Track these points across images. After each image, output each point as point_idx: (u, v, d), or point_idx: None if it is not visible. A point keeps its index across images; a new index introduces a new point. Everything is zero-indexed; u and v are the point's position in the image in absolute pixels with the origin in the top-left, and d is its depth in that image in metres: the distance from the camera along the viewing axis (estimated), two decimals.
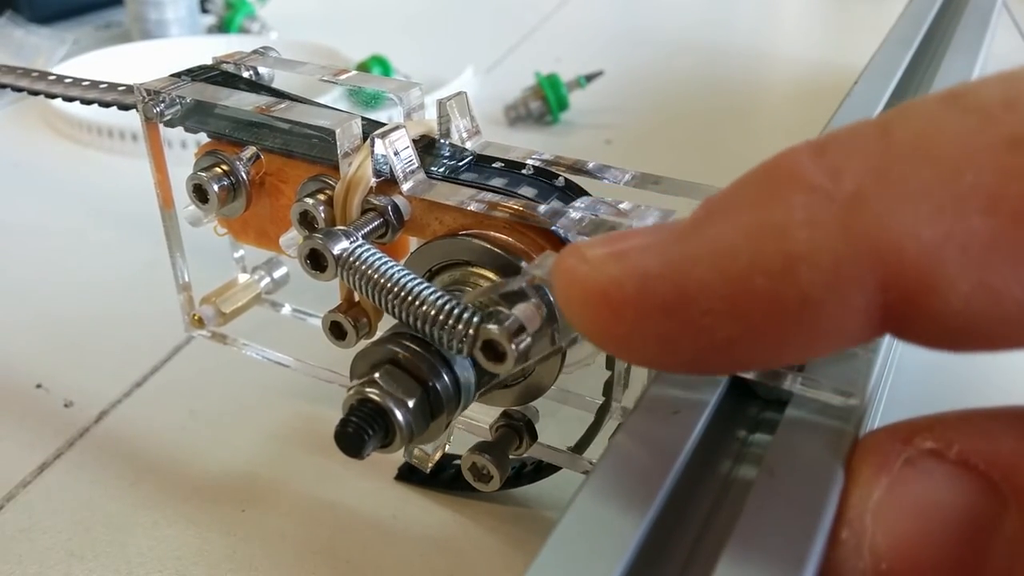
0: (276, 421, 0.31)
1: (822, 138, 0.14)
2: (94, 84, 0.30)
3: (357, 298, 0.25)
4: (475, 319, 0.19)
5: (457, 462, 0.27)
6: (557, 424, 0.26)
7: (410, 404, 0.20)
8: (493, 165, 0.24)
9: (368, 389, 0.20)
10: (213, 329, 0.29)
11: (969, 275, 0.12)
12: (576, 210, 0.21)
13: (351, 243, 0.21)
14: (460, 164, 0.24)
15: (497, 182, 0.23)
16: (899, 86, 0.35)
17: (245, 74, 0.27)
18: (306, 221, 0.24)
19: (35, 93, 0.31)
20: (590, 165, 0.24)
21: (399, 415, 0.20)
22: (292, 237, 0.25)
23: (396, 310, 0.20)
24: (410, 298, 0.20)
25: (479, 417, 0.25)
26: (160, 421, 0.31)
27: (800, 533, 0.14)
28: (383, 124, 0.24)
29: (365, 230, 0.22)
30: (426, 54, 0.72)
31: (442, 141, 0.24)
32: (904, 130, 0.13)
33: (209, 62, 0.28)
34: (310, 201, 0.24)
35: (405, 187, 0.23)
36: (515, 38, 0.76)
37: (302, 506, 0.27)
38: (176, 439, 0.30)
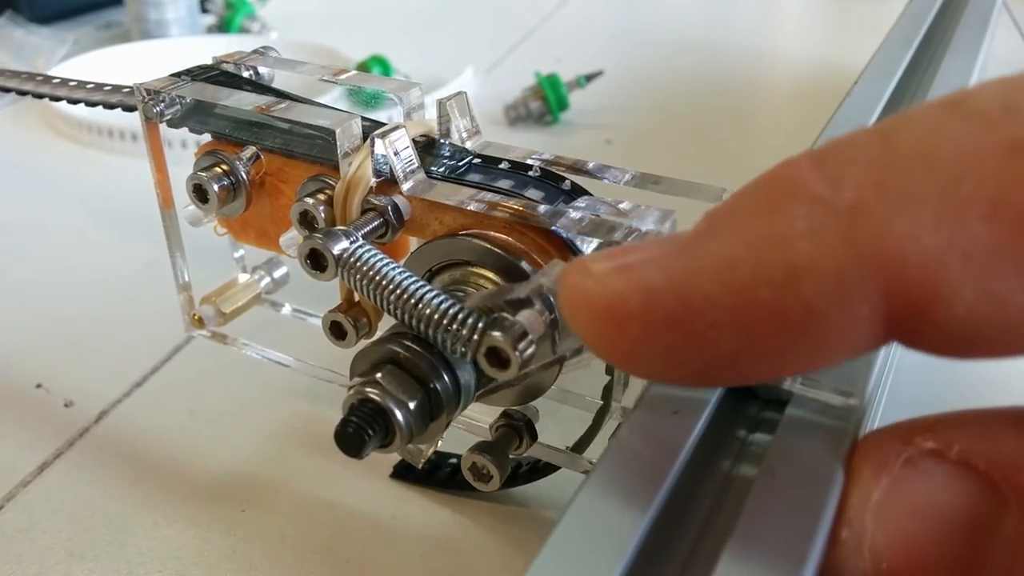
0: (276, 421, 0.31)
1: (822, 147, 0.14)
2: (98, 87, 0.30)
3: (357, 298, 0.25)
4: (480, 324, 0.19)
5: (453, 460, 0.27)
6: (557, 424, 0.26)
7: (411, 406, 0.20)
8: (494, 165, 0.24)
9: (368, 389, 0.20)
10: (213, 329, 0.29)
11: (972, 282, 0.12)
12: (576, 210, 0.21)
13: (351, 243, 0.21)
14: (460, 164, 0.24)
15: (499, 182, 0.23)
16: (899, 86, 0.35)
17: (245, 74, 0.27)
18: (306, 221, 0.24)
19: (39, 96, 0.31)
20: (590, 165, 0.24)
21: (399, 415, 0.20)
22: (292, 237, 0.25)
23: (398, 312, 0.20)
24: (412, 300, 0.20)
25: (479, 417, 0.25)
26: (160, 421, 0.31)
27: (800, 533, 0.14)
28: (383, 124, 0.24)
29: (365, 230, 0.22)
30: (426, 54, 0.72)
31: (442, 141, 0.24)
32: (904, 137, 0.13)
33: (209, 62, 0.28)
34: (310, 201, 0.24)
35: (405, 187, 0.23)
36: (515, 38, 0.76)
37: (302, 506, 0.27)
38: (176, 439, 0.30)
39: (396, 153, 0.23)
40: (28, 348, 0.35)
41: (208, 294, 0.29)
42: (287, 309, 0.31)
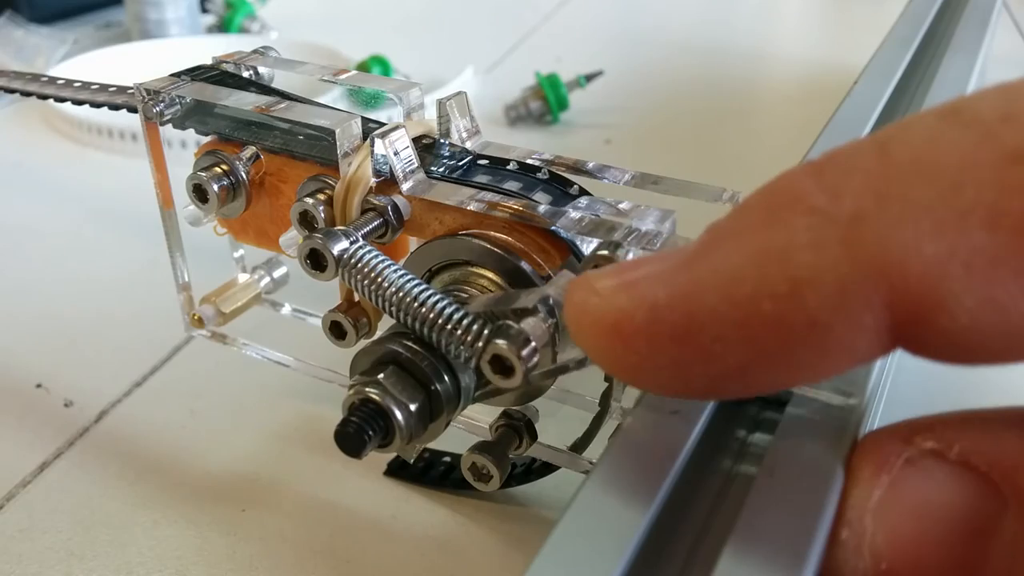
0: (276, 421, 0.31)
1: (821, 158, 0.14)
2: (102, 88, 0.30)
3: (357, 298, 0.25)
4: (485, 331, 0.19)
5: (447, 459, 0.27)
6: (557, 424, 0.26)
7: (412, 407, 0.20)
8: (494, 165, 0.24)
9: (369, 389, 0.20)
10: (213, 329, 0.29)
11: (974, 291, 0.12)
12: (576, 210, 0.21)
13: (351, 243, 0.21)
14: (460, 164, 0.24)
15: (498, 182, 0.23)
16: (899, 86, 0.35)
17: (245, 74, 0.27)
18: (306, 221, 0.24)
19: (44, 97, 0.31)
20: (590, 165, 0.24)
21: (400, 416, 0.20)
22: (292, 237, 0.25)
23: (401, 314, 0.20)
24: (416, 304, 0.20)
25: (479, 417, 0.25)
26: (160, 421, 0.31)
27: (800, 533, 0.14)
28: (383, 124, 0.24)
29: (365, 230, 0.22)
30: (426, 54, 0.72)
31: (442, 141, 0.24)
32: (902, 147, 0.13)
33: (209, 62, 0.28)
34: (310, 201, 0.24)
35: (405, 187, 0.23)
36: (515, 38, 0.76)
37: (302, 506, 0.27)
38: (176, 439, 0.30)
39: (396, 153, 0.23)
40: (28, 348, 0.35)
41: (208, 294, 0.29)
42: (287, 309, 0.31)
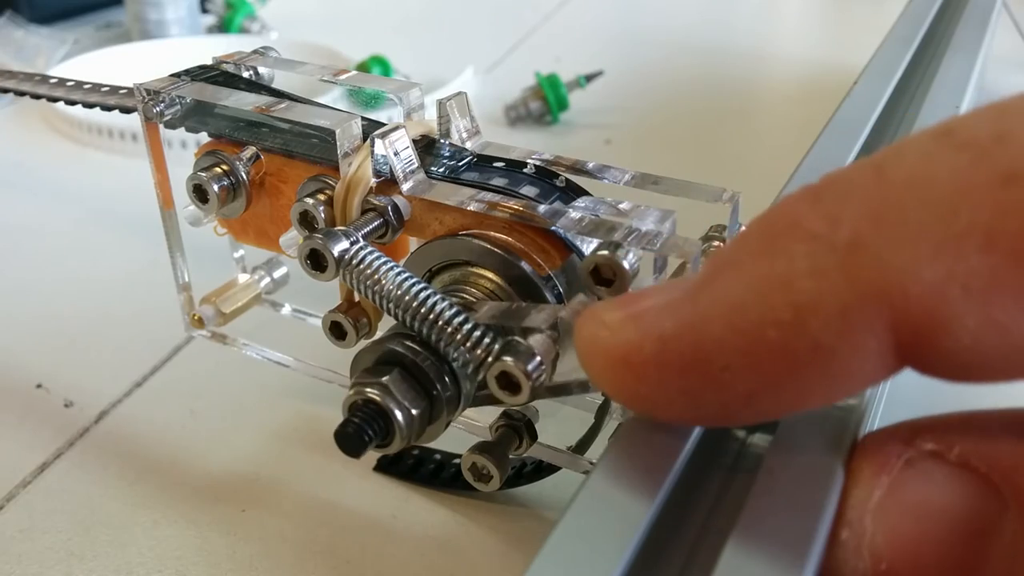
0: (276, 421, 0.31)
1: (818, 183, 0.14)
2: (96, 87, 0.30)
3: (357, 298, 0.25)
4: (491, 343, 0.19)
5: (438, 457, 0.28)
6: (557, 424, 0.26)
7: (412, 409, 0.20)
8: (494, 165, 0.24)
9: (369, 390, 0.20)
10: (213, 329, 0.29)
11: (974, 312, 0.13)
12: (576, 210, 0.21)
13: (351, 244, 0.21)
14: (460, 164, 0.24)
15: (498, 182, 0.23)
16: (899, 86, 0.35)
17: (245, 74, 0.27)
18: (306, 221, 0.24)
19: (37, 97, 0.32)
20: (590, 165, 0.24)
21: (400, 417, 0.20)
22: (292, 237, 0.25)
23: (406, 316, 0.20)
24: (423, 309, 0.20)
25: (479, 417, 0.25)
26: (160, 421, 0.31)
27: (800, 533, 0.14)
28: (383, 124, 0.24)
29: (365, 230, 0.22)
30: (426, 54, 0.72)
31: (442, 141, 0.24)
32: (898, 170, 0.13)
33: (209, 62, 0.28)
34: (310, 201, 0.24)
35: (405, 187, 0.23)
36: (515, 38, 0.76)
37: (302, 506, 0.27)
38: (176, 439, 0.30)
39: (396, 153, 0.23)
40: (28, 348, 0.35)
41: (208, 294, 0.29)
42: (287, 309, 0.31)
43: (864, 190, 0.13)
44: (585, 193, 0.23)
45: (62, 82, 0.32)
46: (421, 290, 0.20)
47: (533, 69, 0.58)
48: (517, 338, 0.19)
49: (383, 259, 0.21)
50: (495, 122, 0.57)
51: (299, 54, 0.49)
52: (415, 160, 0.23)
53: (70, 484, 0.28)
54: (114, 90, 0.30)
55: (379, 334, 0.22)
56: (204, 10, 0.76)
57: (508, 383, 0.19)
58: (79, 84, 0.31)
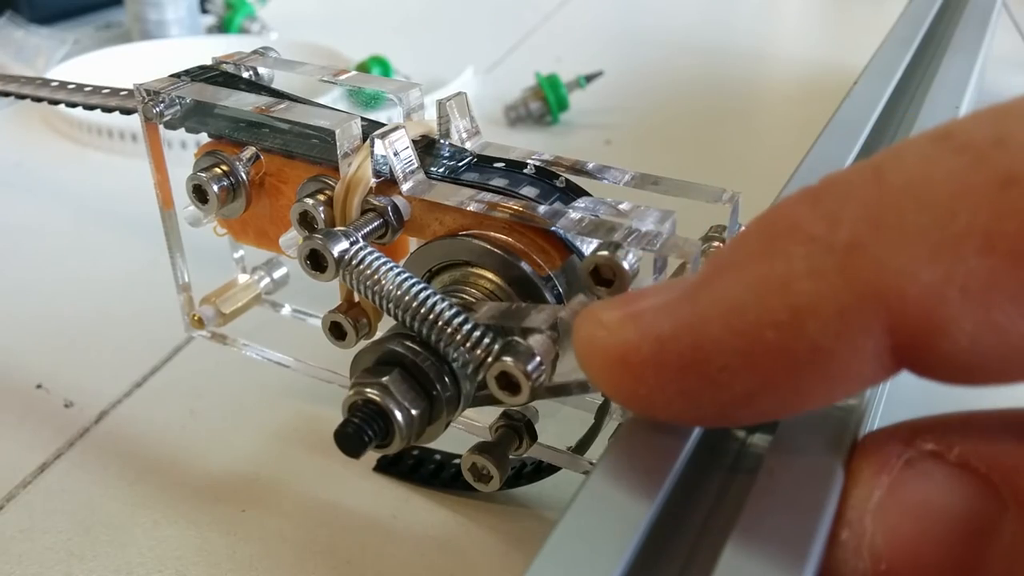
0: (276, 421, 0.31)
1: (818, 185, 0.14)
2: (96, 89, 0.30)
3: (357, 298, 0.25)
4: (491, 343, 0.19)
5: (437, 456, 0.28)
6: (557, 424, 0.26)
7: (413, 410, 0.20)
8: (494, 165, 0.24)
9: (369, 390, 0.20)
10: (213, 329, 0.29)
11: (972, 314, 0.13)
12: (576, 210, 0.21)
13: (351, 244, 0.21)
14: (460, 164, 0.24)
15: (498, 182, 0.23)
16: (899, 86, 0.35)
17: (245, 74, 0.27)
18: (306, 221, 0.24)
19: (38, 100, 0.32)
20: (590, 165, 0.24)
21: (400, 418, 0.20)
22: (292, 237, 0.25)
23: (406, 316, 0.20)
24: (423, 310, 0.20)
25: (479, 417, 0.25)
26: (160, 421, 0.31)
27: (800, 533, 0.14)
28: (383, 124, 0.24)
29: (365, 231, 0.22)
30: (426, 54, 0.72)
31: (442, 141, 0.24)
32: (897, 172, 0.13)
33: (209, 62, 0.28)
34: (310, 201, 0.24)
35: (405, 187, 0.23)
36: (515, 38, 0.76)
37: (302, 506, 0.27)
38: (176, 439, 0.30)
39: (396, 154, 0.23)
40: (28, 348, 0.35)
41: (208, 294, 0.29)
42: (287, 309, 0.31)
43: (863, 192, 0.14)
44: (585, 193, 0.23)
45: (63, 85, 0.32)
46: (421, 290, 0.20)
47: (533, 69, 0.58)
48: (517, 338, 0.19)
49: (383, 259, 0.21)
50: (495, 122, 0.57)
51: (299, 54, 0.49)
52: (415, 160, 0.23)
53: (70, 484, 0.28)
54: (115, 92, 0.30)
55: (379, 334, 0.22)
56: (204, 10, 0.76)
57: (508, 383, 0.19)
58: (80, 87, 0.31)
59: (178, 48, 0.66)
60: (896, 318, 0.13)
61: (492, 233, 0.22)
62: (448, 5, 0.88)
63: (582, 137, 0.57)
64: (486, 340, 0.19)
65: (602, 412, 0.23)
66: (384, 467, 0.28)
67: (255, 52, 0.28)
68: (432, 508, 0.27)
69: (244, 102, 0.25)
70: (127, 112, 0.30)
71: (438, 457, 0.28)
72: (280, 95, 0.26)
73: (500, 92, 0.60)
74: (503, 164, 0.24)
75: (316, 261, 0.21)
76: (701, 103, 0.63)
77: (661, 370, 0.15)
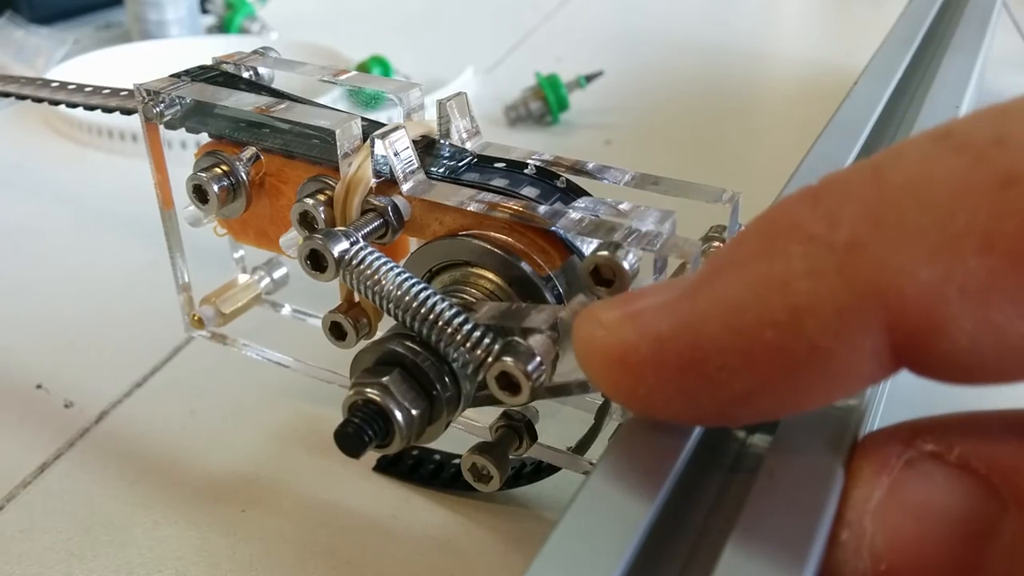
0: (276, 421, 0.31)
1: (817, 184, 0.14)
2: (97, 90, 0.30)
3: (357, 299, 0.25)
4: (491, 344, 0.19)
5: (437, 456, 0.28)
6: (557, 424, 0.26)
7: (413, 410, 0.20)
8: (495, 165, 0.24)
9: (369, 390, 0.20)
10: (213, 329, 0.29)
11: (971, 314, 0.13)
12: (576, 210, 0.21)
13: (351, 244, 0.21)
14: (460, 164, 0.24)
15: (499, 182, 0.23)
16: (899, 86, 0.35)
17: (245, 74, 0.27)
18: (306, 221, 0.24)
19: (39, 101, 0.32)
20: (590, 165, 0.24)
21: (400, 417, 0.20)
22: (292, 237, 0.25)
23: (406, 317, 0.20)
24: (423, 310, 0.20)
25: (479, 417, 0.25)
26: (160, 421, 0.31)
27: (800, 534, 0.14)
28: (383, 124, 0.24)
29: (365, 231, 0.22)
30: (426, 54, 0.72)
31: (442, 141, 0.24)
32: (896, 172, 0.13)
33: (209, 62, 0.28)
34: (310, 201, 0.24)
35: (405, 187, 0.23)
36: (515, 38, 0.76)
37: (302, 506, 0.27)
38: (176, 439, 0.30)
39: (396, 154, 0.23)
40: (28, 348, 0.35)
41: (208, 295, 0.29)
42: (287, 309, 0.31)
43: (863, 192, 0.14)
44: (585, 194, 0.23)
45: (63, 85, 0.32)
46: (421, 290, 0.20)
47: (533, 69, 0.58)
48: (517, 338, 0.19)
49: (383, 259, 0.21)
50: (495, 122, 0.57)
51: (299, 54, 0.49)
52: (415, 160, 0.23)
53: (70, 484, 0.28)
54: (115, 92, 0.30)
55: (379, 334, 0.22)
56: (204, 10, 0.76)
57: (508, 383, 0.19)
58: (80, 87, 0.31)
59: (178, 48, 0.66)
60: (895, 317, 0.13)
61: (492, 233, 0.22)
62: (448, 5, 0.88)
63: (582, 137, 0.57)
64: (486, 340, 0.19)
65: (602, 412, 0.23)
66: (384, 467, 0.28)
67: (255, 52, 0.28)
68: (432, 508, 0.27)
69: (244, 102, 0.25)
70: (127, 112, 0.30)
71: (438, 457, 0.28)
72: (280, 95, 0.26)
73: (500, 92, 0.60)
74: (503, 164, 0.24)
75: (316, 261, 0.21)
76: (701, 103, 0.63)
77: (660, 369, 0.15)
